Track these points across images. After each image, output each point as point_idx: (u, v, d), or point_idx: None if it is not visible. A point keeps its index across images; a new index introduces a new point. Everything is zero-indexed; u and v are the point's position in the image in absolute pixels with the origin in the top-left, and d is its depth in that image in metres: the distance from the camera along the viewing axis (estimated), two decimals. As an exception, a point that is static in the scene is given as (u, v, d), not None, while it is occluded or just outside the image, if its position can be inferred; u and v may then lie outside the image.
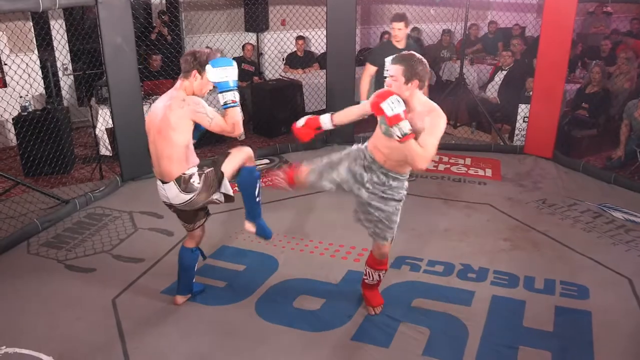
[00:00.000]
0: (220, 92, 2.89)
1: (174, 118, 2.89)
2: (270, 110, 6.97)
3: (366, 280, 3.46)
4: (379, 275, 3.39)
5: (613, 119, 6.48)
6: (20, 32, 6.25)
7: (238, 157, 3.23)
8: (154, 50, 6.92)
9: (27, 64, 5.85)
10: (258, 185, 3.37)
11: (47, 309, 3.52)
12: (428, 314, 3.47)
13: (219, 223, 4.65)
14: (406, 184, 3.15)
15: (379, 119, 2.95)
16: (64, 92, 7.34)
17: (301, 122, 3.31)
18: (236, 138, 4.30)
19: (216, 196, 3.16)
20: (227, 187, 3.16)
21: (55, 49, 7.03)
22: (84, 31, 6.78)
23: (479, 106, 6.83)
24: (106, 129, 6.04)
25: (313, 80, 7.45)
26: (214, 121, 2.92)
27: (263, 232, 3.55)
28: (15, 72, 5.51)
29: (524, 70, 6.94)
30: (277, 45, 7.89)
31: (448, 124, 7.45)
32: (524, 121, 6.35)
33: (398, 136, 2.73)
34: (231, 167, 3.19)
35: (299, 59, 8.04)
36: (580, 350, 3.16)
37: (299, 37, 7.97)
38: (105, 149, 6.07)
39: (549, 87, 5.89)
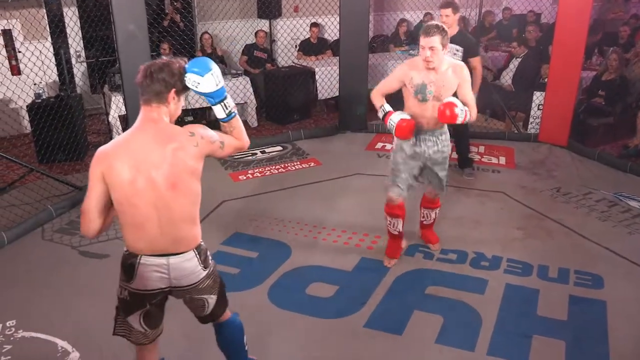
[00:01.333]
0: (220, 102, 2.24)
1: (192, 161, 2.14)
2: (283, 97, 6.96)
3: (424, 222, 4.00)
4: (435, 213, 3.94)
5: (630, 107, 6.37)
6: (34, 19, 6.26)
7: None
8: (166, 38, 6.92)
9: (40, 52, 5.87)
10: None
11: (62, 295, 3.55)
12: (441, 301, 3.46)
13: (232, 210, 4.66)
14: (447, 134, 3.63)
15: (412, 90, 3.43)
16: (77, 80, 7.36)
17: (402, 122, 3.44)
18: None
19: (212, 297, 2.39)
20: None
21: (68, 36, 7.06)
22: (97, 18, 6.77)
23: (493, 94, 6.75)
24: (119, 116, 6.07)
25: (326, 67, 7.40)
26: (225, 144, 2.27)
27: None
28: (29, 59, 5.53)
29: (539, 57, 6.85)
30: (289, 32, 7.85)
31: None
32: (538, 109, 6.28)
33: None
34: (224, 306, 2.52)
35: (312, 46, 8.00)
36: (595, 340, 3.13)
37: (313, 24, 7.92)
38: (118, 136, 6.09)
39: (564, 74, 5.81)
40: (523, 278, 3.70)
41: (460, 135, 5.21)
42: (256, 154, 5.98)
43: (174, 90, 2.14)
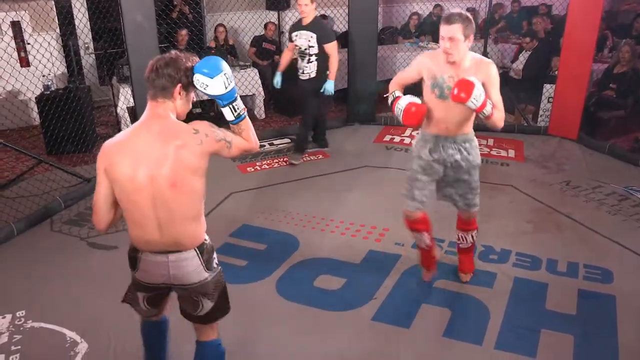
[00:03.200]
0: (230, 104, 2.15)
1: (195, 159, 2.06)
2: (292, 89, 6.92)
3: (460, 245, 3.56)
4: (472, 236, 3.49)
5: (641, 99, 6.32)
6: (42, 10, 6.26)
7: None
8: (178, 25, 6.89)
9: (49, 43, 5.88)
10: None
11: (70, 286, 3.57)
12: (449, 295, 3.45)
13: (240, 202, 4.67)
14: (476, 142, 3.24)
15: (430, 84, 3.03)
16: (85, 71, 7.37)
17: (410, 106, 3.04)
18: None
19: (210, 303, 2.31)
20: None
21: (76, 27, 7.05)
22: (105, 10, 6.77)
23: (502, 86, 6.69)
24: (127, 108, 6.07)
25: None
26: (232, 144, 2.18)
27: None
28: (38, 51, 5.53)
29: (549, 49, 6.78)
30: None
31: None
32: (548, 101, 6.23)
33: (484, 114, 2.89)
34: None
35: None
36: (604, 335, 3.11)
37: (322, 16, 7.88)
38: (126, 128, 6.10)
39: (575, 66, 5.75)
40: (532, 272, 3.67)
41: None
42: (264, 146, 5.97)
43: (180, 85, 2.07)
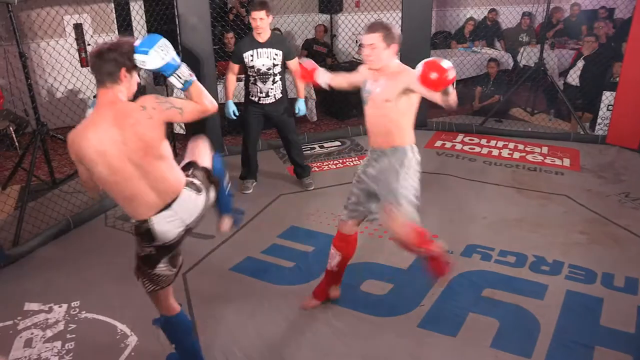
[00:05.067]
0: (173, 73, 2.29)
1: (151, 132, 2.25)
2: (342, 92, 6.92)
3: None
4: (425, 255, 2.93)
5: None
6: (103, 13, 6.48)
7: (206, 148, 2.71)
8: (233, 28, 7.01)
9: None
10: (226, 174, 2.85)
11: (122, 280, 3.65)
12: (498, 305, 3.36)
13: (288, 204, 4.69)
14: (409, 157, 3.00)
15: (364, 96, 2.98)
16: (142, 71, 7.58)
17: (307, 64, 3.28)
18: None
19: (212, 194, 2.59)
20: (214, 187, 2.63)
21: (134, 29, 7.26)
22: (162, 12, 6.95)
23: (559, 93, 6.51)
24: (181, 108, 6.19)
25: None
26: (184, 109, 2.34)
27: (238, 213, 3.07)
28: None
29: (610, 55, 6.55)
30: (350, 27, 7.81)
31: (525, 111, 7.19)
32: (607, 109, 6.01)
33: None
34: (208, 160, 2.67)
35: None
36: (664, 355, 2.97)
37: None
38: (179, 128, 6.25)
39: (638, 72, 5.53)
40: (586, 285, 3.54)
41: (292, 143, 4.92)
42: (314, 148, 5.99)
43: (124, 68, 2.24)
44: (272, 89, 4.65)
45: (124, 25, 7.07)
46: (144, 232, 2.35)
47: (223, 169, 2.76)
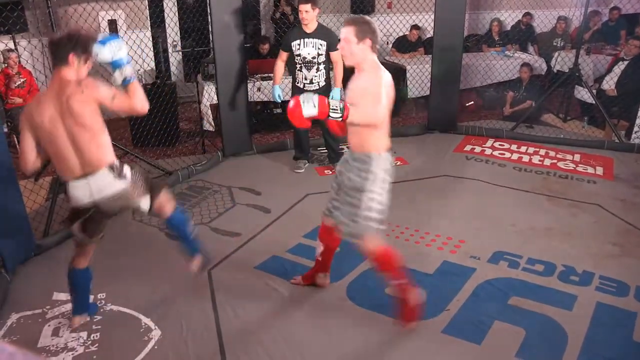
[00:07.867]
0: (117, 69, 2.70)
1: (81, 106, 2.62)
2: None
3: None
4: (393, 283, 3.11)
5: None
6: (138, 9, 6.57)
7: (170, 198, 3.12)
8: (279, 26, 7.03)
9: (142, 40, 6.15)
10: (190, 222, 3.31)
11: (148, 274, 3.70)
12: (525, 314, 3.29)
13: (314, 204, 4.67)
14: (373, 165, 2.94)
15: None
16: (172, 68, 7.66)
17: (312, 103, 2.68)
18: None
19: (144, 201, 2.93)
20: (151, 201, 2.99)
21: (167, 26, 7.35)
22: (195, 9, 7.02)
23: (594, 99, 6.37)
24: (210, 105, 6.25)
25: (418, 65, 7.27)
26: (116, 99, 2.69)
27: (205, 253, 3.41)
28: (131, 47, 5.80)
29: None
30: (382, 28, 7.78)
31: (557, 117, 7.06)
32: (644, 118, 5.86)
33: (340, 118, 2.69)
34: (165, 198, 3.07)
35: (408, 44, 7.93)
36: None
37: (414, 27, 7.91)
38: (208, 124, 6.29)
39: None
40: (617, 298, 3.44)
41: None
42: (343, 149, 5.97)
43: (73, 53, 2.61)
44: (315, 76, 5.05)
45: (157, 21, 7.17)
46: (65, 191, 2.82)
47: (184, 217, 3.22)
